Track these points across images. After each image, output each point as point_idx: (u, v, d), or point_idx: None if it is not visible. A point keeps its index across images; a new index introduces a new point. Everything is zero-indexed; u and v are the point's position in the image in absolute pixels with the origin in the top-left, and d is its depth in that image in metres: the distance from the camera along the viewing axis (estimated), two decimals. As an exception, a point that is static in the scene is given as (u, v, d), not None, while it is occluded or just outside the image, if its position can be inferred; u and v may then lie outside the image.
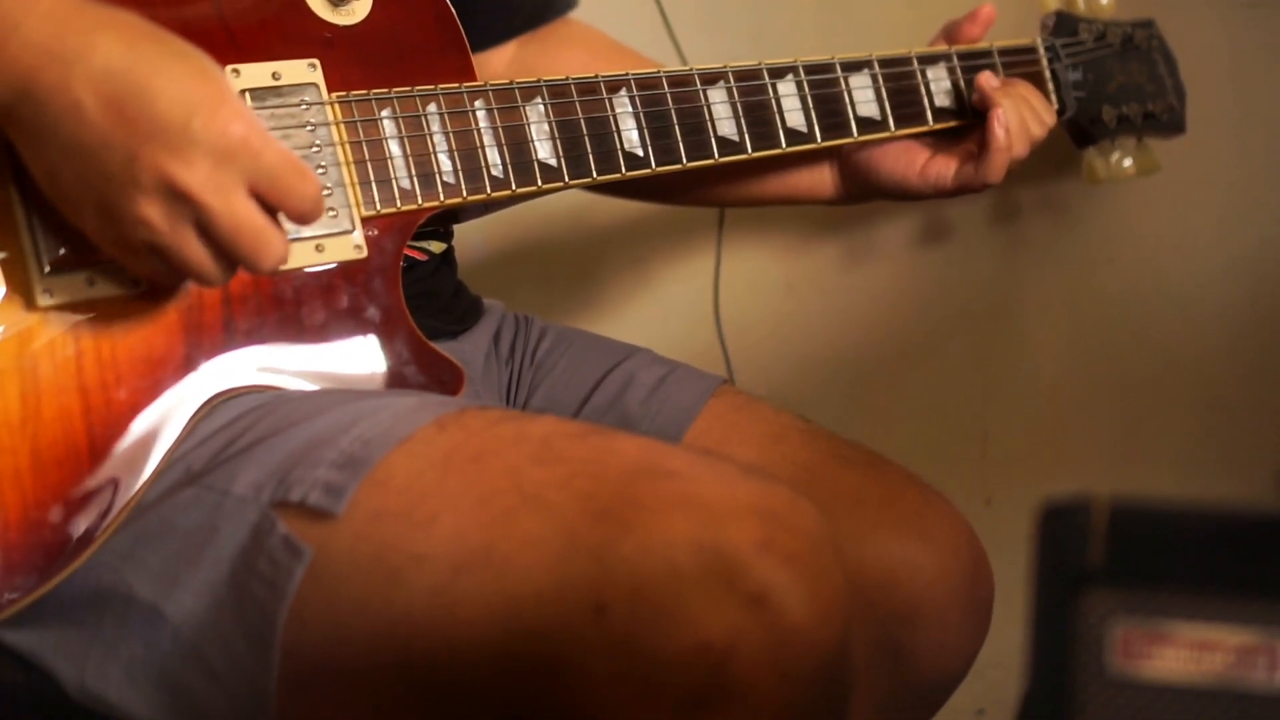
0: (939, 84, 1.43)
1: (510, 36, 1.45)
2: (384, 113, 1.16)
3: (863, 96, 1.39)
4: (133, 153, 0.95)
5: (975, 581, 1.28)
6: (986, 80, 1.43)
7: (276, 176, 0.99)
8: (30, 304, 1.03)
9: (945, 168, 1.43)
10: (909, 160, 1.44)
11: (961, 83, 1.44)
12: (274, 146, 0.99)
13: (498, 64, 1.45)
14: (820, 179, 1.48)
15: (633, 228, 1.81)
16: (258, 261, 1.00)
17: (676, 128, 1.28)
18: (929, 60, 1.43)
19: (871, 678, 1.21)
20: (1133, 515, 0.74)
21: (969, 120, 1.45)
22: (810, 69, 1.36)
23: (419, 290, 1.20)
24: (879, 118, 1.40)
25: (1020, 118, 1.42)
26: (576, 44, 1.48)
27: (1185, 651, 0.73)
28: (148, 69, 0.96)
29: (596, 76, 1.25)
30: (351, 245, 1.13)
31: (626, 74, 1.26)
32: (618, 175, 1.25)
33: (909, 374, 1.88)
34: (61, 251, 1.03)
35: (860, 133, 1.39)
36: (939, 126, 1.44)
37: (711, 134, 1.30)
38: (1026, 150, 1.43)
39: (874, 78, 1.39)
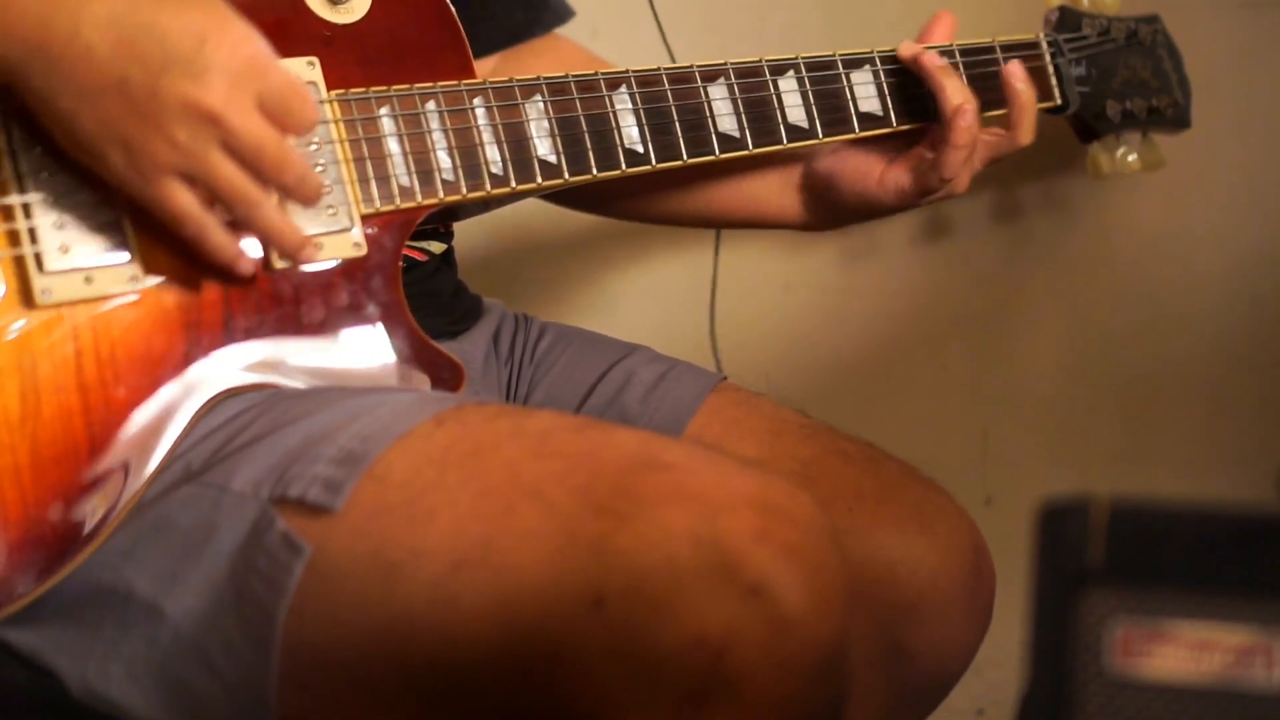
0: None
1: (497, 49, 1.45)
2: (383, 110, 1.16)
3: (864, 92, 1.38)
4: (152, 85, 0.99)
5: (976, 574, 1.27)
6: (930, 59, 1.36)
7: (284, 96, 1.03)
8: (29, 302, 1.03)
9: (902, 172, 1.38)
10: (866, 171, 1.39)
11: (964, 79, 1.43)
12: (278, 66, 1.03)
13: (478, 75, 1.44)
14: (789, 202, 1.45)
15: (633, 227, 1.81)
16: (281, 175, 1.03)
17: (677, 124, 1.28)
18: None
19: (872, 673, 1.21)
20: (1133, 515, 0.75)
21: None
22: (812, 65, 1.35)
23: (419, 290, 1.20)
24: (880, 114, 1.39)
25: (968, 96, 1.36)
26: (548, 56, 1.47)
27: (1184, 651, 0.73)
28: (151, 8, 0.99)
29: (596, 73, 1.25)
30: (351, 243, 1.13)
31: (626, 70, 1.26)
32: (618, 172, 1.25)
33: (908, 374, 1.88)
34: (61, 249, 1.03)
35: (861, 128, 1.38)
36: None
37: (712, 130, 1.30)
38: (988, 145, 1.39)
39: (875, 74, 1.39)
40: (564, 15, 1.51)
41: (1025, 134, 1.40)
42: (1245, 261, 1.75)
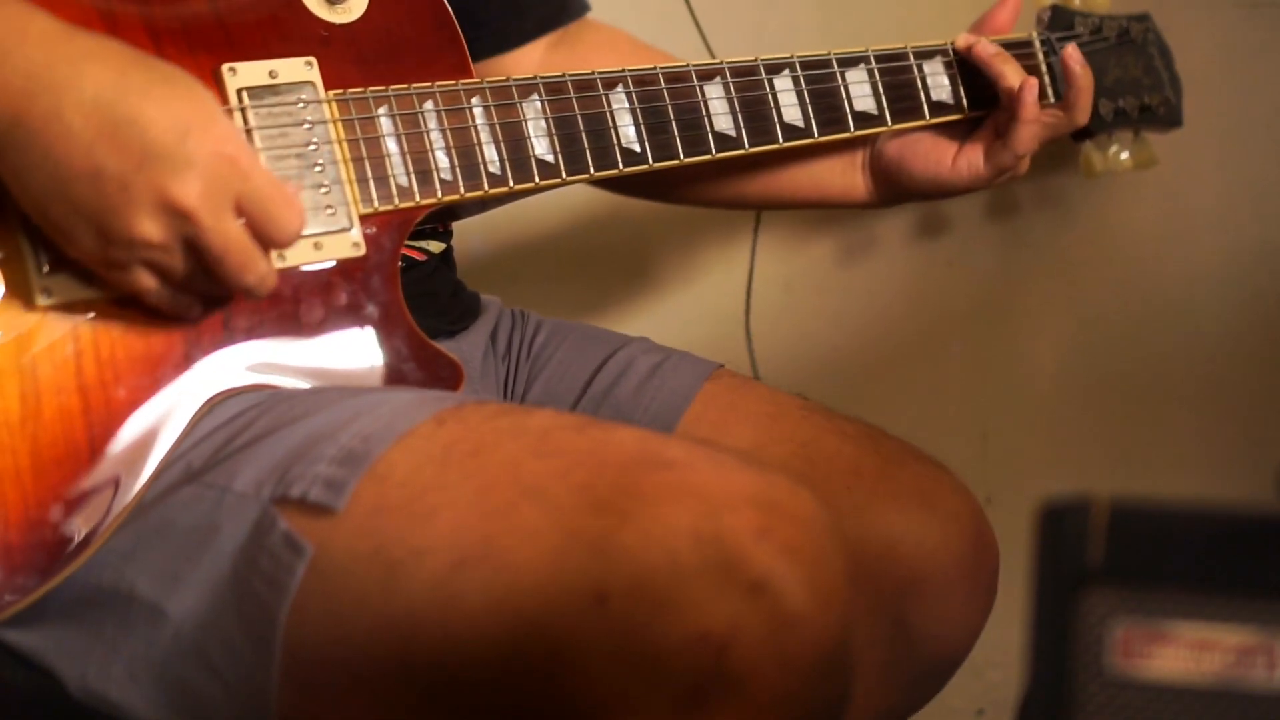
0: (935, 79, 1.44)
1: (526, 40, 1.45)
2: (381, 110, 1.16)
3: (859, 91, 1.39)
4: (128, 176, 0.97)
5: (979, 550, 1.27)
6: (983, 49, 1.42)
7: (264, 199, 1.01)
8: (29, 304, 1.03)
9: (975, 154, 1.43)
10: (939, 157, 1.44)
11: (959, 77, 1.44)
12: (260, 169, 1.01)
13: (528, 66, 1.45)
14: (852, 182, 1.48)
15: (634, 226, 1.81)
16: (241, 278, 1.02)
17: (673, 123, 1.28)
18: (925, 55, 1.44)
19: (876, 652, 1.21)
20: (1133, 515, 0.75)
21: (966, 114, 1.45)
22: (807, 64, 1.36)
23: (418, 290, 1.20)
24: (876, 112, 1.40)
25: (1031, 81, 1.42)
26: (606, 47, 1.49)
27: (1185, 651, 0.73)
28: (137, 96, 0.98)
29: (593, 73, 1.25)
30: (350, 243, 1.13)
31: (623, 70, 1.27)
32: (615, 171, 1.25)
33: (908, 373, 1.89)
34: (59, 252, 1.03)
35: (857, 127, 1.39)
36: (935, 120, 1.44)
37: (709, 130, 1.30)
38: (1046, 125, 1.44)
39: (870, 73, 1.40)
40: (586, 5, 1.52)
41: (1082, 114, 1.46)
42: (1244, 261, 1.75)
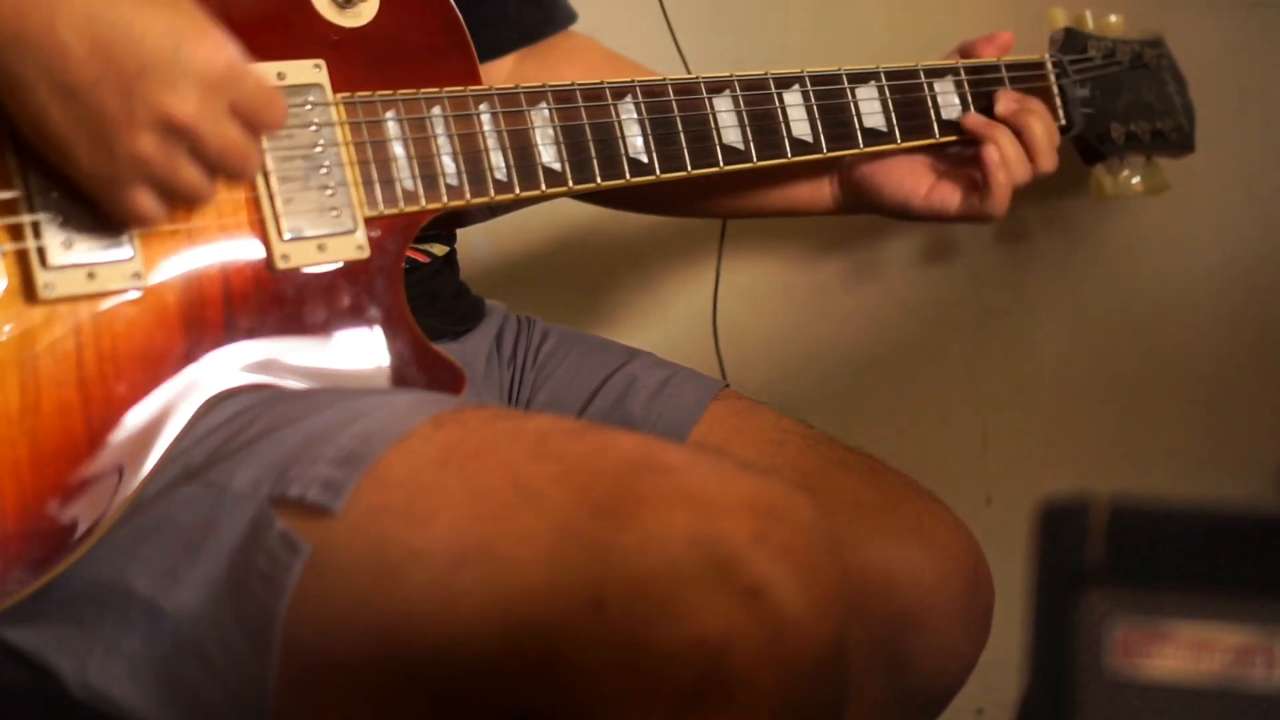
0: (946, 98, 1.44)
1: (510, 50, 1.46)
2: (388, 114, 1.16)
3: (869, 108, 1.39)
4: (126, 89, 0.98)
5: (975, 587, 1.28)
6: (973, 120, 1.42)
7: (256, 102, 1.03)
8: (32, 297, 1.03)
9: (950, 194, 1.43)
10: (914, 183, 1.43)
11: (969, 97, 1.44)
12: (252, 73, 1.03)
13: (497, 77, 1.45)
14: (819, 191, 1.48)
15: (636, 233, 1.81)
16: (242, 174, 1.05)
17: (682, 135, 1.28)
18: (936, 74, 1.44)
19: (870, 684, 1.21)
20: (1132, 515, 0.75)
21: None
22: (817, 79, 1.36)
23: (420, 291, 1.21)
24: (885, 130, 1.40)
25: (1016, 150, 1.41)
26: (576, 57, 1.49)
27: (1184, 651, 0.73)
28: (129, 9, 0.99)
29: (602, 83, 1.26)
30: (354, 245, 1.13)
31: (633, 81, 1.27)
32: (622, 181, 1.26)
33: (909, 373, 1.88)
34: (64, 244, 1.03)
35: (866, 144, 1.39)
36: (945, 140, 1.44)
37: (717, 142, 1.30)
38: (1028, 178, 1.43)
39: (881, 90, 1.40)
40: (572, 16, 1.52)
41: (997, 207, 1.42)
42: (1245, 262, 1.75)
